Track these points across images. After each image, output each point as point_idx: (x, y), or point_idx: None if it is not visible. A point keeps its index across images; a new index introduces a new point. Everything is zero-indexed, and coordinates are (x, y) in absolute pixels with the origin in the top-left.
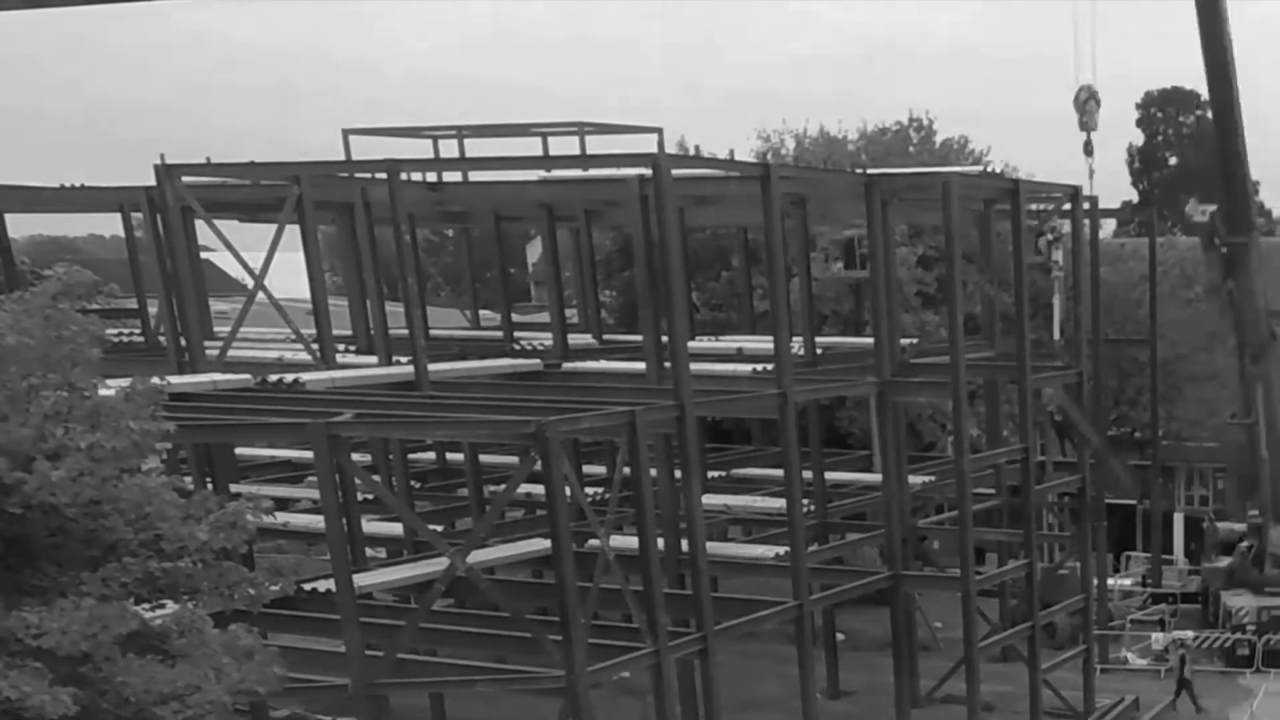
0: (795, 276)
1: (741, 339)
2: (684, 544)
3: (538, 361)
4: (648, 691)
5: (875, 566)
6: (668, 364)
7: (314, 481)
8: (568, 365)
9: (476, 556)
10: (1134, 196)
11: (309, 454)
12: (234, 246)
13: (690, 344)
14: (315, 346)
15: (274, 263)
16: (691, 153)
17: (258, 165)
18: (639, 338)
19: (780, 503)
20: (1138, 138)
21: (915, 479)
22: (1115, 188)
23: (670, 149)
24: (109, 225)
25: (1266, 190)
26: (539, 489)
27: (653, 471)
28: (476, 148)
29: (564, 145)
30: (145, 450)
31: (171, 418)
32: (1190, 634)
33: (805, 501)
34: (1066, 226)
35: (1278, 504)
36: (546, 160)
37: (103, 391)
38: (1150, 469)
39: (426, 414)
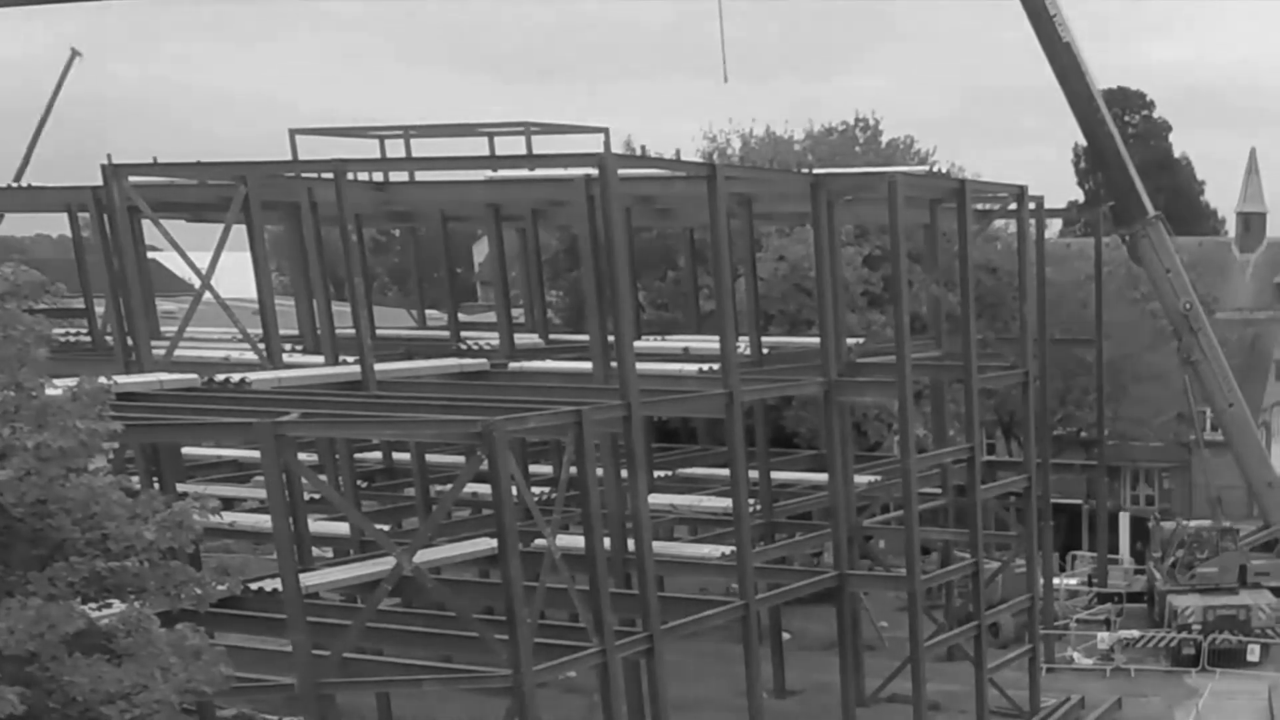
0: (741, 276)
1: (688, 339)
2: (630, 543)
3: (484, 361)
4: (594, 690)
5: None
6: (614, 364)
7: (261, 481)
8: (514, 365)
9: (423, 556)
10: (1080, 196)
11: (256, 453)
12: (181, 246)
13: (636, 344)
14: (262, 346)
15: (221, 262)
16: (638, 153)
17: (204, 165)
18: (585, 337)
19: (726, 502)
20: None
21: (861, 478)
22: (1061, 187)
23: (617, 149)
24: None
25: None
26: (485, 488)
27: (599, 471)
28: (423, 148)
29: (510, 145)
30: (92, 450)
31: (118, 417)
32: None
33: (751, 501)
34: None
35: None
36: (493, 160)
37: (49, 391)
38: (1096, 469)
39: (373, 414)
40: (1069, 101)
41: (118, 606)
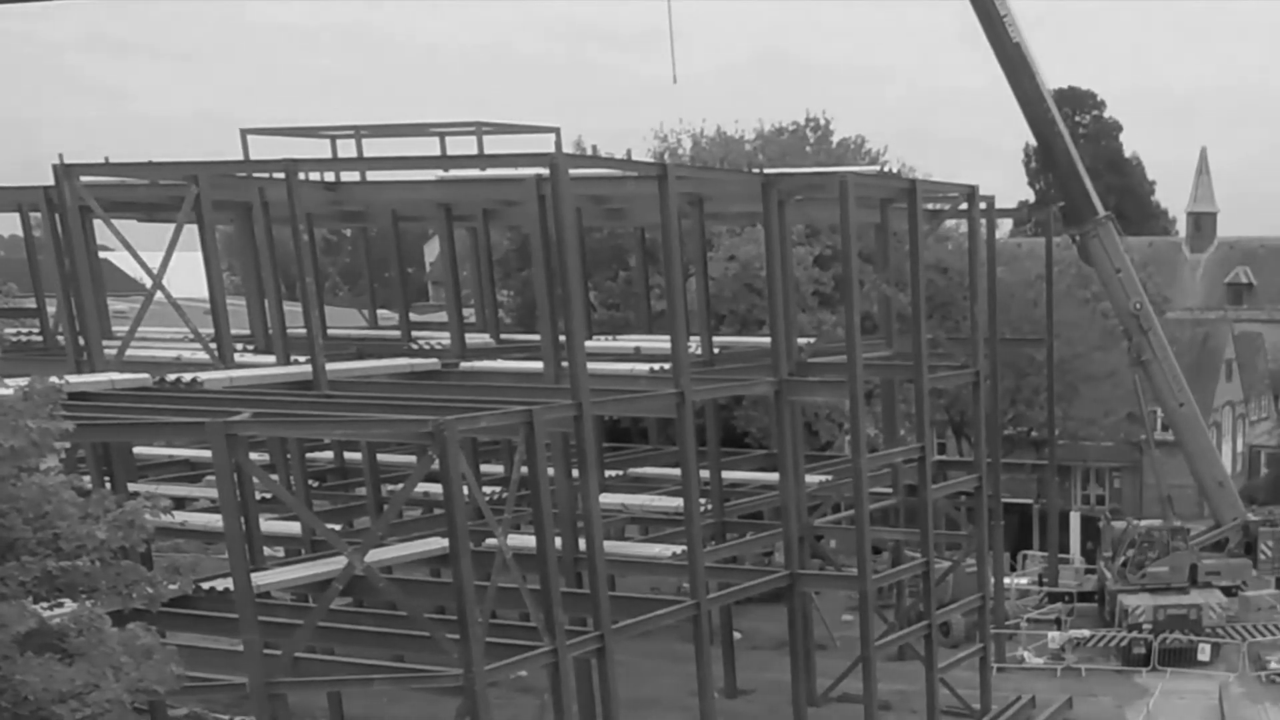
0: (692, 276)
1: (639, 338)
2: (581, 543)
3: (435, 361)
4: (546, 690)
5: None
6: (565, 363)
7: (212, 480)
8: (465, 365)
9: (374, 555)
10: (1031, 196)
11: (207, 453)
12: (132, 246)
13: (588, 343)
14: (213, 346)
15: (172, 262)
16: (589, 153)
17: (156, 165)
18: (536, 337)
19: (677, 502)
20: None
21: (812, 478)
22: (1012, 187)
23: (568, 149)
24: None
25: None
26: (437, 488)
27: (550, 470)
28: (374, 148)
29: (462, 145)
30: (43, 449)
31: (70, 417)
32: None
33: (702, 500)
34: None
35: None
36: (444, 160)
37: (1, 390)
38: (1046, 468)
39: (324, 413)
40: (1019, 101)
41: (69, 606)
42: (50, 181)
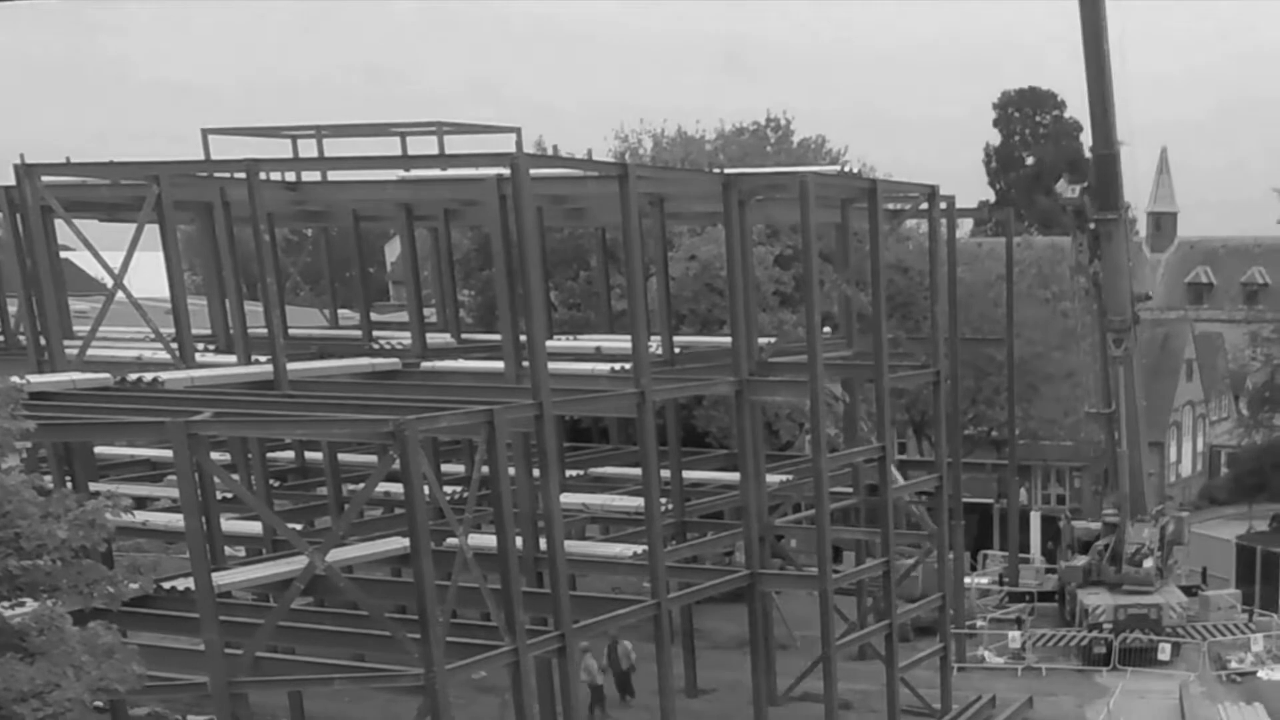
0: (653, 276)
1: (599, 338)
2: (542, 542)
3: (396, 360)
4: (507, 689)
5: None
6: (526, 363)
7: (173, 480)
8: (426, 364)
9: (335, 555)
10: (991, 196)
11: (168, 453)
12: (94, 246)
13: (548, 343)
14: (174, 346)
15: (134, 262)
16: (550, 153)
17: (117, 165)
18: (497, 337)
19: (638, 501)
20: (994, 137)
21: (773, 478)
22: (972, 187)
23: (529, 149)
24: None
25: None
26: (398, 488)
27: (511, 470)
28: (335, 147)
29: (423, 145)
30: (4, 448)
31: (31, 416)
32: None
33: (663, 500)
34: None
35: (1135, 500)
36: (405, 160)
37: None
38: (1007, 468)
39: (285, 413)
40: (1088, 84)
41: (30, 605)
42: (11, 181)
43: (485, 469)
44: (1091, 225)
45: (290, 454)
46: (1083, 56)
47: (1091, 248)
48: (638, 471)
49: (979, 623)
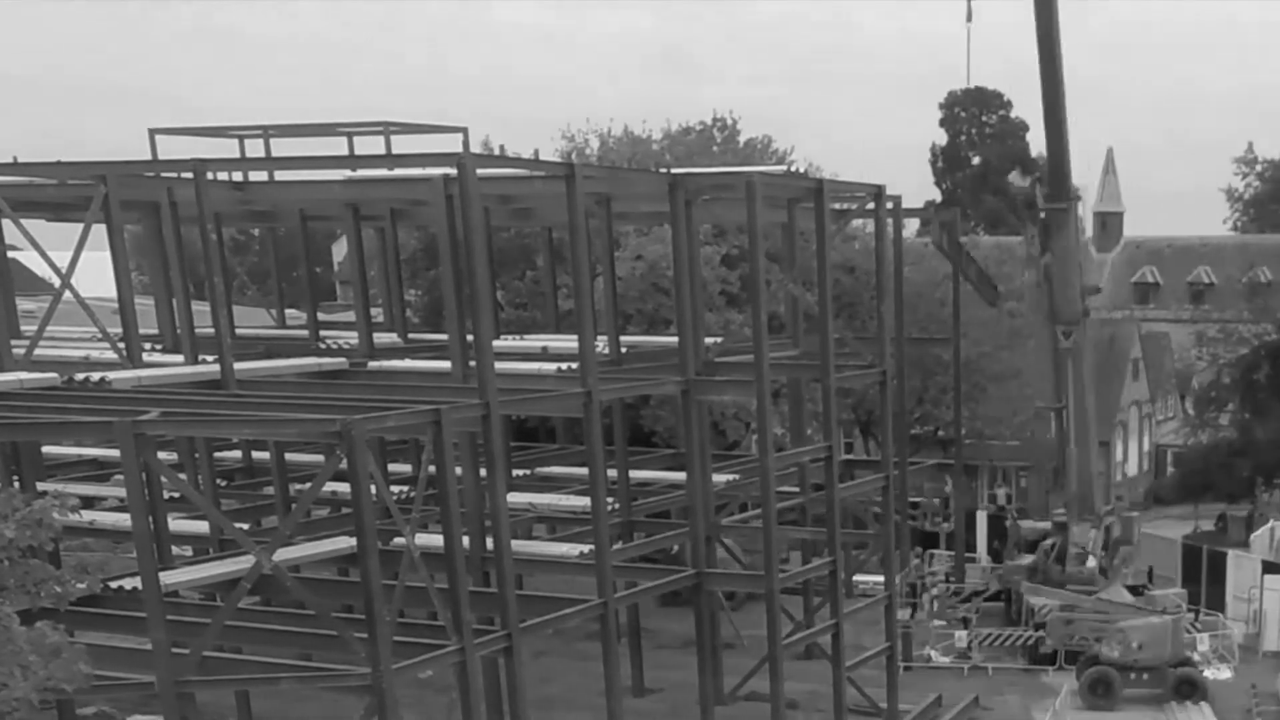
0: (599, 275)
1: (546, 338)
2: (489, 542)
3: (343, 360)
4: (453, 689)
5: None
6: (473, 363)
7: (120, 479)
8: (373, 364)
9: (282, 554)
10: (937, 196)
11: (116, 452)
12: (40, 246)
13: (495, 343)
14: (122, 345)
15: (81, 262)
16: (497, 152)
17: (64, 165)
18: (444, 337)
19: (585, 501)
20: (941, 137)
21: (719, 477)
22: (918, 187)
23: (475, 149)
24: None
25: None
26: (345, 487)
27: (458, 470)
28: (282, 147)
29: (370, 145)
30: None
31: None
32: None
33: (610, 500)
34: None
35: (1084, 499)
36: (352, 160)
37: None
38: (953, 467)
39: (232, 413)
40: (1041, 74)
41: None
42: None
43: (432, 468)
44: (1043, 215)
45: (237, 453)
46: (1037, 52)
47: (1043, 239)
48: (584, 471)
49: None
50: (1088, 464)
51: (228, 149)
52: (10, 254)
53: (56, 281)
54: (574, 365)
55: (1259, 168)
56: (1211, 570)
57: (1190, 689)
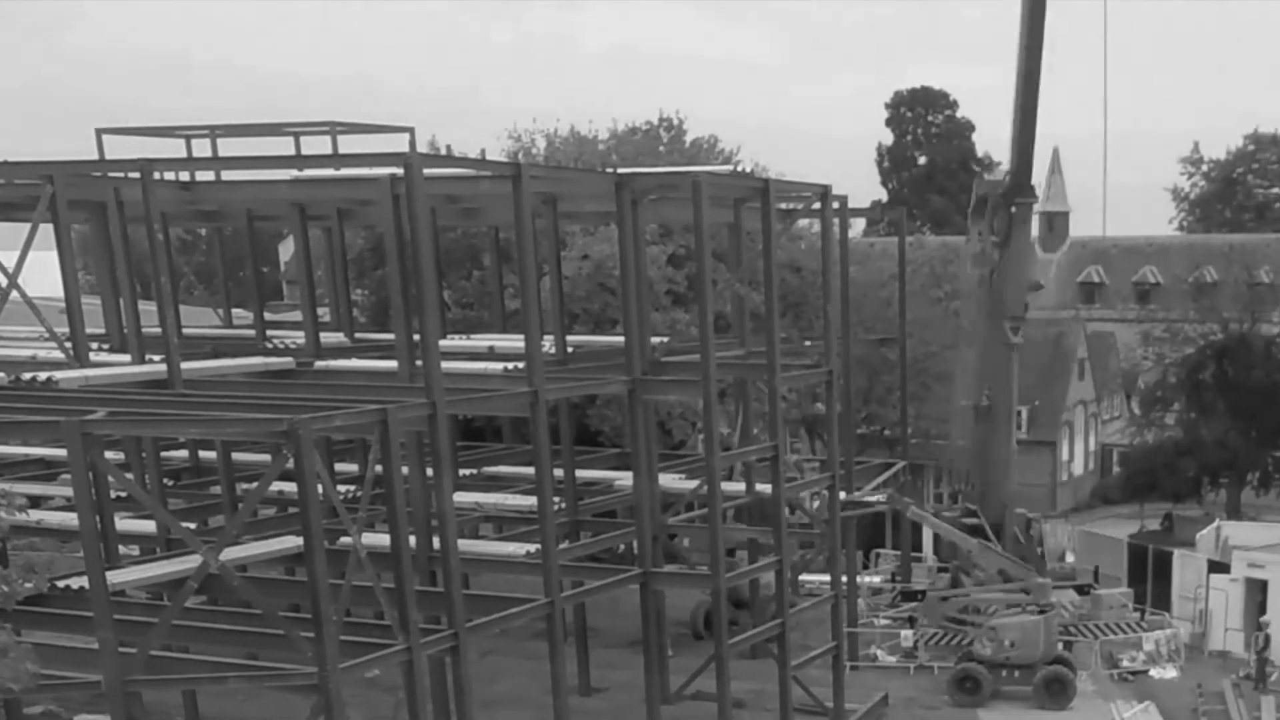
0: (546, 275)
1: (493, 337)
2: (436, 541)
3: (290, 360)
4: (400, 688)
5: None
6: (419, 362)
7: (68, 479)
8: (320, 363)
9: (229, 554)
10: (883, 195)
11: (63, 451)
12: None
13: (442, 342)
14: (69, 345)
15: (27, 261)
16: (443, 152)
17: (10, 164)
18: (391, 336)
19: (532, 500)
20: (887, 137)
21: (666, 477)
22: (864, 187)
23: (422, 149)
24: None
25: None
26: (292, 487)
27: (405, 469)
28: (229, 147)
29: (317, 144)
30: None
31: None
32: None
33: (556, 499)
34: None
35: (997, 493)
36: (299, 160)
37: None
38: (900, 467)
39: (179, 412)
40: (1019, 70)
41: None
42: None
43: (379, 468)
44: (1013, 209)
45: (185, 453)
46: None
47: (1004, 234)
48: (531, 470)
49: (875, 621)
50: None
51: (175, 149)
52: None
53: (3, 281)
54: (520, 365)
55: (1205, 168)
56: (1157, 570)
57: (1060, 688)
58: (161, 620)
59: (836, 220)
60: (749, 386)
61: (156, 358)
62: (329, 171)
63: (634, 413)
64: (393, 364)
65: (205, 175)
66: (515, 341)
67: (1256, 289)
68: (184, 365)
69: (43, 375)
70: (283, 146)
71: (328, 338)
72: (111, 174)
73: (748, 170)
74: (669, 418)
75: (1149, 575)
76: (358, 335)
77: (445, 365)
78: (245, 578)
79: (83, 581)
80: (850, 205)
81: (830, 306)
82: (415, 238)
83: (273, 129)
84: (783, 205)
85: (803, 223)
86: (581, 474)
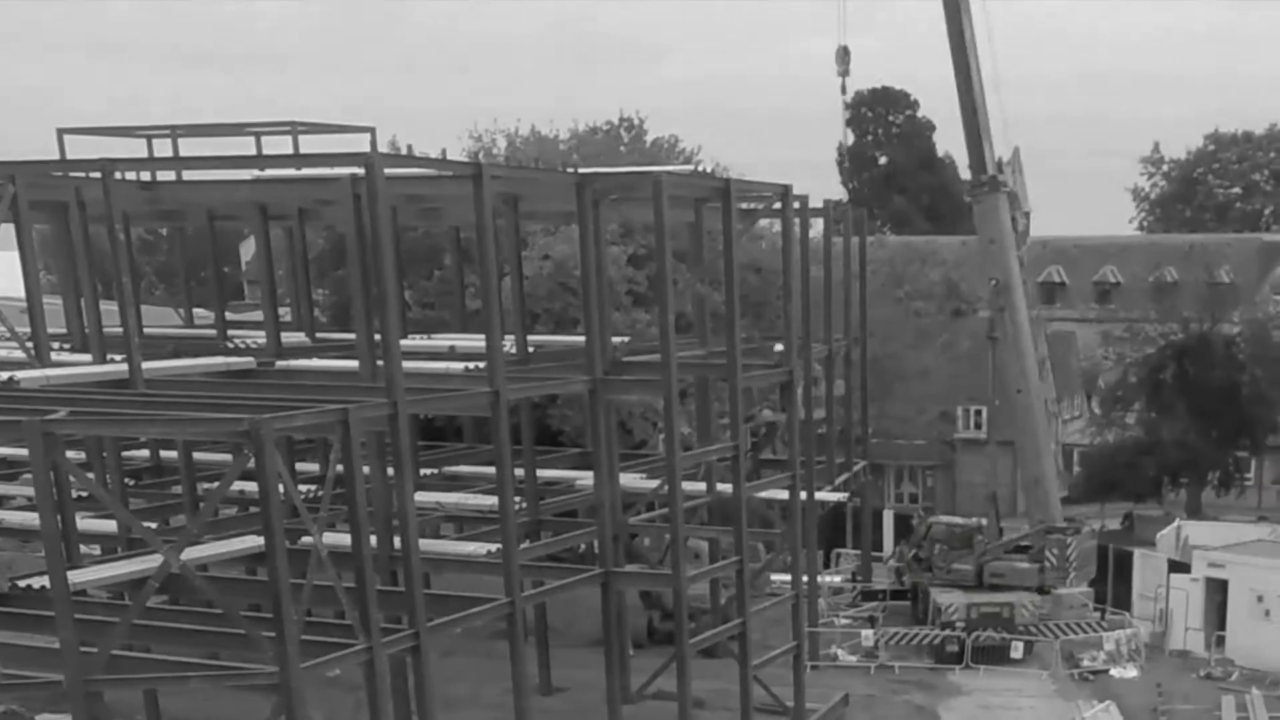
0: (507, 275)
1: (454, 337)
2: (397, 541)
3: (251, 360)
4: (361, 688)
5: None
6: (380, 362)
7: (29, 478)
8: (281, 363)
9: (190, 554)
10: (844, 195)
11: (24, 451)
12: None
13: (403, 342)
14: (30, 345)
15: None
16: (405, 152)
17: None
18: (352, 336)
19: (492, 500)
20: (848, 137)
21: (627, 476)
22: (825, 187)
23: (383, 148)
24: None
25: None
26: (253, 486)
27: (366, 469)
28: (190, 147)
29: (278, 144)
30: None
31: None
32: None
33: (517, 499)
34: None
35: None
36: (260, 160)
37: None
38: (860, 467)
39: (141, 412)
40: (952, 48)
41: None
42: None
43: (340, 468)
44: (968, 199)
45: (146, 452)
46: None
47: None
48: (492, 470)
49: (835, 621)
50: (1033, 469)
51: (136, 149)
52: None
53: None
54: (481, 364)
55: (1165, 168)
56: (1118, 569)
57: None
58: (123, 620)
59: (797, 220)
60: (710, 386)
61: (118, 357)
62: (290, 171)
63: (595, 412)
64: (354, 364)
65: (166, 175)
66: (476, 341)
67: (1217, 289)
68: (145, 365)
69: (4, 375)
70: (244, 146)
71: (289, 337)
72: (73, 174)
73: (708, 170)
74: (630, 417)
75: (1109, 575)
76: (319, 335)
77: (406, 365)
78: (206, 577)
79: (44, 581)
80: (811, 205)
81: (790, 306)
82: (376, 237)
83: (234, 129)
84: (744, 205)
85: (764, 222)
86: (542, 474)
